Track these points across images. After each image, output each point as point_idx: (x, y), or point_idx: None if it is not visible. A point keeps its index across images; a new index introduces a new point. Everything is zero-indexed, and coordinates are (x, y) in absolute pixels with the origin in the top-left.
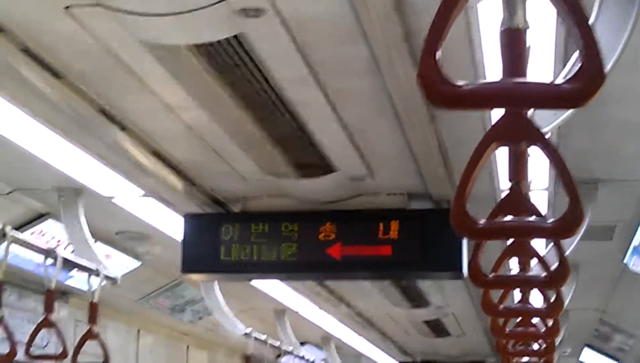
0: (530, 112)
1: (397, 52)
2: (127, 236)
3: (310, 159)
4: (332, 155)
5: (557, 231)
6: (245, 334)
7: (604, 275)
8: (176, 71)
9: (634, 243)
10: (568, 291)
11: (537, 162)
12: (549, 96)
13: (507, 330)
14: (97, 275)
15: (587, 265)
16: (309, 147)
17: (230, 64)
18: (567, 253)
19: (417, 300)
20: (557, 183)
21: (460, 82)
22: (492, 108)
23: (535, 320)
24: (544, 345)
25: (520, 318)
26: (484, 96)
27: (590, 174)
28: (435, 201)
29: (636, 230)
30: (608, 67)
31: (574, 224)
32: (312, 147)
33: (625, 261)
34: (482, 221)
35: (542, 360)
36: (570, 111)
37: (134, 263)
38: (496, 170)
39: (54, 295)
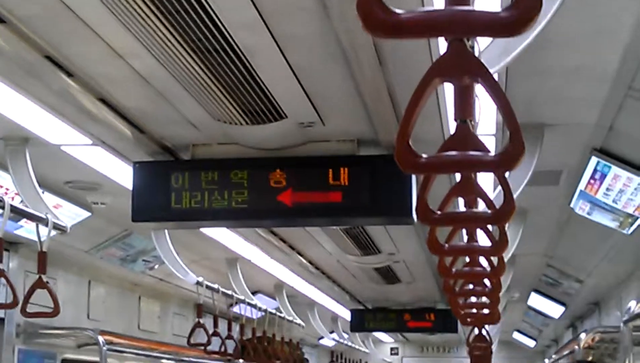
0: (476, 51)
1: None
2: (77, 185)
3: (260, 106)
4: (282, 101)
5: (500, 164)
6: (197, 283)
7: (551, 220)
8: (124, 16)
9: (580, 187)
10: (515, 237)
11: (484, 108)
12: (486, 24)
13: (454, 270)
14: (46, 224)
15: (534, 210)
16: (258, 93)
17: (179, 9)
18: (514, 197)
19: (367, 247)
20: (504, 128)
21: (400, 11)
22: (430, 36)
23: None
24: (490, 286)
25: (467, 260)
26: (422, 24)
27: (536, 118)
28: (385, 147)
29: (582, 174)
30: (553, 10)
31: (516, 156)
32: (261, 93)
33: (571, 205)
34: (426, 156)
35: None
36: (515, 53)
37: (84, 213)
38: (446, 114)
39: (2, 244)
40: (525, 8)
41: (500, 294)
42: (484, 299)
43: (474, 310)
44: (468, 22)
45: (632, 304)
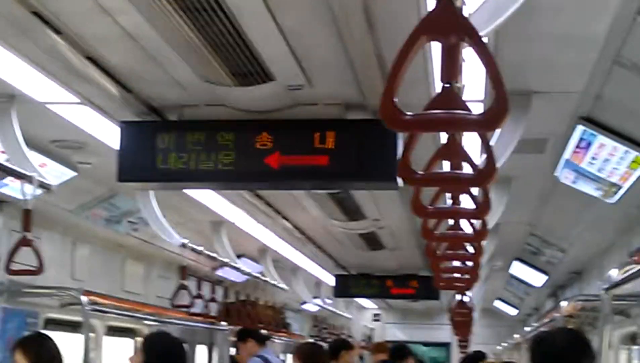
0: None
1: None
2: (63, 144)
3: (248, 68)
4: (270, 63)
5: (484, 123)
6: (182, 245)
7: (536, 188)
8: None
9: (566, 155)
10: (499, 205)
11: (473, 73)
12: None
13: (437, 233)
14: (31, 182)
15: (519, 178)
16: (247, 55)
17: None
18: (499, 165)
19: (352, 212)
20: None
21: None
22: None
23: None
24: (472, 250)
25: (451, 224)
26: None
27: (523, 85)
28: (372, 111)
29: (568, 143)
30: None
31: (499, 116)
32: (250, 55)
33: (556, 174)
34: (411, 114)
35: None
36: (504, 16)
37: (70, 173)
38: (434, 80)
39: None
40: None
41: (483, 261)
42: (465, 264)
43: (455, 275)
44: None
45: (613, 272)
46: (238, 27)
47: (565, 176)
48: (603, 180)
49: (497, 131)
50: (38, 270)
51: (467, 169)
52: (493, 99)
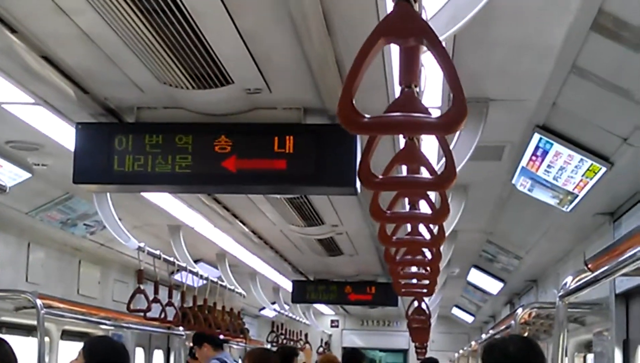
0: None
1: None
2: (18, 145)
3: (206, 70)
4: (229, 66)
5: (442, 126)
6: (139, 249)
7: (492, 195)
8: None
9: (522, 163)
10: (457, 212)
11: (431, 79)
12: None
13: (395, 238)
14: None
15: (476, 185)
16: (205, 57)
17: None
18: (457, 170)
19: (311, 218)
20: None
21: None
22: None
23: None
24: (430, 256)
25: (408, 230)
26: None
27: (480, 93)
28: (331, 116)
29: (525, 150)
30: None
31: (458, 119)
32: (208, 57)
33: (513, 181)
34: (369, 116)
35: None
36: (463, 22)
37: (25, 174)
38: (393, 84)
39: None
40: None
41: (441, 267)
42: (423, 270)
43: (414, 281)
44: None
45: (568, 279)
46: (196, 29)
47: (521, 184)
48: (559, 188)
49: (455, 138)
50: None
51: (425, 174)
52: (451, 102)
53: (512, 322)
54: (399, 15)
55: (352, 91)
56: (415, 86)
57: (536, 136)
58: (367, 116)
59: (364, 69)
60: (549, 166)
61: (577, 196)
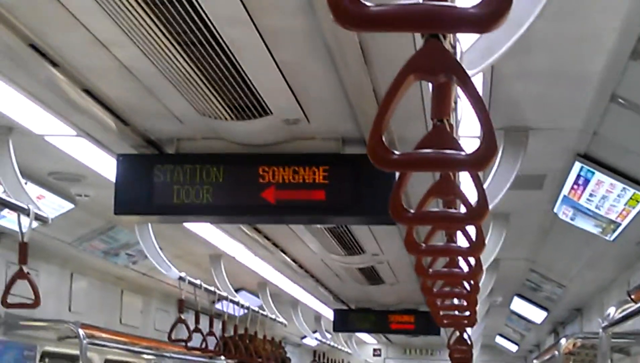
0: (458, 52)
1: None
2: (60, 176)
3: (245, 101)
4: (267, 97)
5: (471, 163)
6: (180, 278)
7: (534, 224)
8: (109, 5)
9: (564, 192)
10: (498, 241)
11: (468, 111)
12: (457, 19)
13: (431, 271)
14: (28, 214)
15: (517, 214)
16: (244, 88)
17: (165, 0)
18: (497, 201)
19: (351, 247)
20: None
21: (371, 4)
22: (400, 30)
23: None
24: (469, 288)
25: (447, 261)
26: (392, 17)
27: (520, 122)
28: None
29: (566, 179)
30: (535, 13)
31: (488, 156)
32: (247, 89)
33: (555, 210)
34: (398, 153)
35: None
36: (497, 55)
37: (68, 205)
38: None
39: None
40: (496, 4)
41: (482, 297)
42: (463, 301)
43: (453, 312)
44: (438, 16)
45: (612, 310)
46: (234, 61)
47: (563, 213)
48: (601, 217)
49: (494, 167)
50: (34, 303)
51: (461, 207)
52: (482, 138)
53: (556, 352)
54: (428, 52)
55: (382, 127)
56: (448, 120)
57: (577, 165)
58: (396, 152)
59: (394, 105)
60: (590, 194)
61: (620, 224)
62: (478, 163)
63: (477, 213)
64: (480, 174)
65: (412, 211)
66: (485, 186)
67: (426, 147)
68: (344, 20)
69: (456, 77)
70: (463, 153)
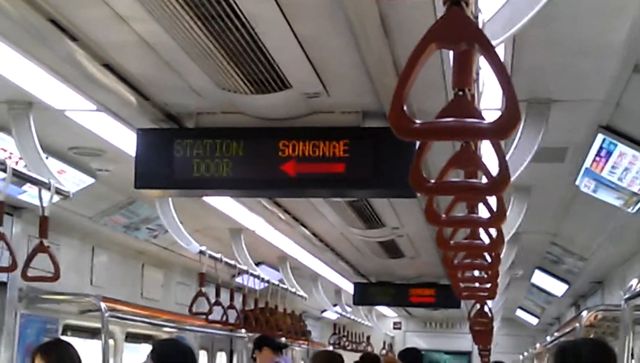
0: (480, 22)
1: None
2: (81, 151)
3: (265, 75)
4: (287, 71)
5: (494, 131)
6: (200, 252)
7: (556, 197)
8: None
9: (586, 164)
10: (519, 214)
11: (490, 82)
12: None
13: (453, 242)
14: (49, 189)
15: (539, 187)
16: (263, 62)
17: None
18: (518, 173)
19: (371, 220)
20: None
21: None
22: None
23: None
24: (490, 260)
25: (467, 233)
26: None
27: (543, 93)
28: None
29: (588, 151)
30: None
31: (510, 124)
32: (266, 62)
33: (576, 182)
34: (419, 122)
35: (487, 274)
36: (520, 24)
37: (88, 180)
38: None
39: (3, 207)
40: None
41: (503, 270)
42: (484, 273)
43: (475, 284)
44: None
45: (634, 282)
46: (254, 34)
47: (585, 185)
48: (624, 189)
49: (516, 139)
50: (54, 276)
51: (482, 177)
52: (504, 107)
53: (577, 324)
54: (449, 20)
55: (403, 97)
56: (469, 90)
57: (600, 137)
58: (417, 121)
59: (415, 74)
60: (613, 166)
61: None
62: (500, 131)
63: (499, 183)
64: (502, 145)
65: (432, 181)
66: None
67: (447, 116)
68: None
69: (478, 45)
70: (485, 122)
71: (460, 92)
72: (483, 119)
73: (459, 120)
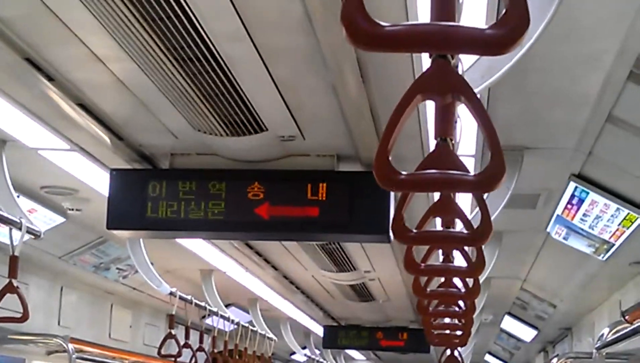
0: (460, 71)
1: (331, 10)
2: (53, 190)
3: (240, 117)
4: (263, 113)
5: (480, 184)
6: (170, 293)
7: (527, 243)
8: (106, 20)
9: (557, 211)
10: (490, 259)
11: (465, 127)
12: (472, 41)
13: (429, 290)
14: (19, 228)
15: (510, 233)
16: (239, 105)
17: (162, 16)
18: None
19: (343, 264)
20: (484, 149)
21: (384, 23)
22: (414, 51)
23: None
24: (464, 307)
25: (442, 281)
26: (407, 37)
27: (516, 141)
28: (364, 163)
29: (560, 199)
30: (535, 36)
31: (496, 177)
32: (242, 105)
33: (548, 229)
34: (405, 173)
35: (461, 322)
36: (499, 74)
37: (59, 219)
38: (427, 133)
39: None
40: (512, 26)
41: (474, 316)
42: (456, 320)
43: (447, 331)
44: (453, 38)
45: (605, 331)
46: (231, 77)
47: (556, 232)
48: (595, 237)
49: None
50: (22, 317)
51: (460, 226)
52: (490, 159)
53: None
54: (436, 72)
55: (389, 148)
56: (451, 140)
57: (572, 185)
58: (403, 173)
59: (400, 125)
60: (584, 214)
61: (614, 245)
62: (486, 184)
63: (481, 234)
64: (484, 196)
65: (414, 230)
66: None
67: (430, 166)
68: (357, 40)
69: (465, 97)
70: (471, 174)
71: (443, 141)
72: (465, 169)
73: (444, 172)
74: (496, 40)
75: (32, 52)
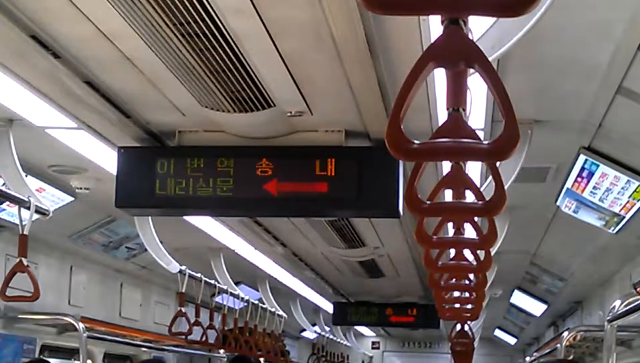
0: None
1: None
2: (61, 169)
3: (248, 94)
4: (270, 89)
5: (493, 152)
6: (180, 272)
7: (536, 217)
8: None
9: (567, 184)
10: (500, 233)
11: (474, 100)
12: (489, 1)
13: (440, 263)
14: (28, 207)
15: (520, 207)
16: (247, 80)
17: None
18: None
19: (352, 240)
20: (494, 123)
21: None
22: (428, 13)
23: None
24: (476, 281)
25: (453, 254)
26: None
27: (525, 114)
28: (373, 139)
29: (570, 172)
30: (545, 6)
31: (510, 145)
32: (250, 81)
33: (557, 203)
34: (418, 142)
35: (472, 295)
36: (509, 44)
37: (67, 198)
38: (436, 106)
39: None
40: None
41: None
42: (467, 294)
43: (457, 305)
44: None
45: (617, 303)
46: (238, 52)
47: (566, 206)
48: (605, 210)
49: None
50: (33, 296)
51: (471, 198)
52: (503, 127)
53: (558, 345)
54: (448, 39)
55: (401, 117)
56: (464, 109)
57: (582, 158)
58: (416, 142)
59: (412, 94)
60: (594, 187)
61: (624, 217)
62: (500, 152)
63: (496, 204)
64: (498, 166)
65: (427, 202)
66: (487, 179)
67: (443, 136)
68: (371, 3)
69: (478, 65)
70: (485, 143)
71: (455, 112)
72: (479, 139)
73: (457, 141)
74: (514, 0)
75: (38, 30)
